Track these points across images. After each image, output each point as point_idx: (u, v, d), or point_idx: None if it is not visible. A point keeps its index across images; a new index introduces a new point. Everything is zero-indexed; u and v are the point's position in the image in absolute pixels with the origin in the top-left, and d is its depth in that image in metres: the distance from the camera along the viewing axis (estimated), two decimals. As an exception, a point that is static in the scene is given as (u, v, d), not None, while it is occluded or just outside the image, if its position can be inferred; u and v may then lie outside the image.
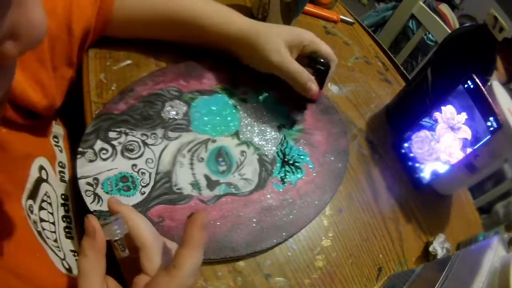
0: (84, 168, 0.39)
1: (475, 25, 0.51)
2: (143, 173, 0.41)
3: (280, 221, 0.43)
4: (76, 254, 0.36)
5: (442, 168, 0.53)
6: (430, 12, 1.07)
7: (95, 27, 0.42)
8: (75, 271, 0.33)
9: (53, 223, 0.35)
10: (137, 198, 0.39)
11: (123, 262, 0.34)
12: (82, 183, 0.38)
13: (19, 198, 0.32)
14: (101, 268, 0.27)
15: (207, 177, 0.43)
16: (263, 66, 0.46)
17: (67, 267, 0.33)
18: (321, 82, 0.48)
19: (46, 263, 0.31)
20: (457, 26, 1.47)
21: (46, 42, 0.35)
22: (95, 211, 0.37)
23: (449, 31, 0.74)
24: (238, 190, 0.43)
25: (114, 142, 0.42)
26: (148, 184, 0.40)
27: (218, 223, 0.40)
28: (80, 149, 0.40)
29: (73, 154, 0.41)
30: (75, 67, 0.43)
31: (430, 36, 1.45)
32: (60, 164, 0.40)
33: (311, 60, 0.47)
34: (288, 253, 0.42)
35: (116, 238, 0.28)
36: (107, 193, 0.38)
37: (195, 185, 0.42)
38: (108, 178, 0.39)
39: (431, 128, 0.54)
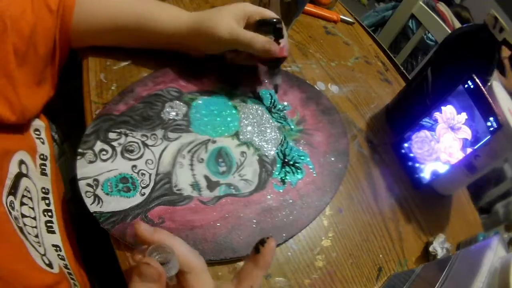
0: (84, 169, 0.39)
1: (475, 25, 0.51)
2: (143, 174, 0.41)
3: (280, 222, 0.43)
4: (58, 249, 0.36)
5: (442, 168, 0.52)
6: (430, 11, 1.07)
7: (60, 43, 0.42)
8: (55, 266, 0.33)
9: (34, 218, 0.35)
10: (137, 199, 0.39)
11: (123, 261, 0.34)
12: (82, 184, 0.38)
13: None
14: None
15: (207, 178, 0.43)
16: (220, 45, 0.46)
17: (47, 262, 0.33)
18: (277, 37, 0.48)
19: (26, 259, 0.31)
20: (455, 23, 1.47)
21: (13, 60, 0.35)
22: (95, 212, 0.37)
23: (449, 31, 0.74)
24: (238, 191, 0.43)
25: (114, 143, 0.42)
26: (148, 185, 0.40)
27: (218, 224, 0.40)
28: (80, 150, 0.40)
29: (73, 155, 0.41)
30: (50, 84, 0.43)
31: (430, 35, 1.44)
32: (42, 157, 0.40)
33: (260, 24, 0.48)
34: (288, 253, 0.42)
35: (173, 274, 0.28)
36: (107, 194, 0.38)
37: (195, 186, 0.42)
38: (108, 179, 0.39)
39: (431, 128, 0.54)
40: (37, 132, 0.42)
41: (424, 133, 0.55)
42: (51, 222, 0.37)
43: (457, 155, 0.51)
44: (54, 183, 0.40)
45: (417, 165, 0.56)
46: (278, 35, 0.48)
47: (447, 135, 0.52)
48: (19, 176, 0.35)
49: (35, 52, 0.38)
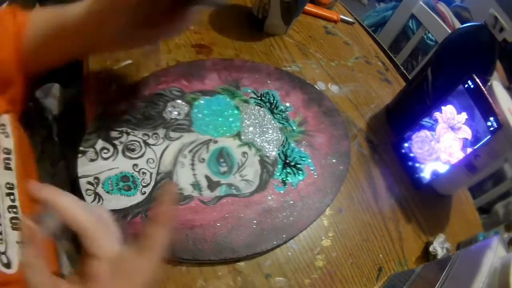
0: (85, 167, 0.39)
1: (475, 25, 0.51)
2: (144, 173, 0.41)
3: (281, 223, 0.43)
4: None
5: (442, 168, 0.53)
6: (430, 11, 1.07)
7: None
8: (14, 266, 0.32)
9: None
10: (138, 198, 0.39)
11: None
12: (82, 182, 0.38)
13: None
14: (44, 263, 0.26)
15: (208, 178, 0.43)
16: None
17: (5, 261, 0.32)
18: None
19: None
20: (456, 23, 1.47)
21: None
22: (96, 211, 0.37)
23: (449, 31, 0.74)
24: (239, 191, 0.43)
25: (116, 142, 0.42)
26: (149, 184, 0.40)
27: (218, 224, 0.40)
28: (81, 148, 0.40)
29: (73, 157, 0.41)
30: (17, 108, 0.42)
31: (430, 35, 1.44)
32: (5, 151, 0.39)
33: None
34: (288, 253, 0.42)
35: (55, 233, 0.26)
36: (107, 192, 0.38)
37: (196, 185, 0.42)
38: (109, 178, 0.39)
39: (431, 128, 0.54)
40: (2, 127, 0.41)
41: (424, 133, 0.55)
42: (16, 218, 0.35)
43: (457, 155, 0.51)
44: (20, 178, 0.38)
45: (417, 165, 0.56)
46: None
47: (447, 135, 0.52)
48: None
49: None
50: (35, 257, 0.25)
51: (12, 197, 0.37)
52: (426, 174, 0.55)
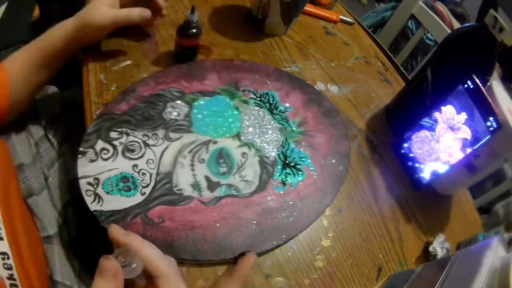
0: (85, 168, 0.39)
1: (475, 25, 0.51)
2: (143, 174, 0.41)
3: (280, 223, 0.43)
4: (6, 256, 0.35)
5: (442, 168, 0.53)
6: (430, 12, 1.07)
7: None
8: None
9: None
10: (138, 198, 0.39)
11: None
12: (82, 182, 0.38)
13: None
14: None
15: (207, 179, 0.43)
16: (106, 30, 0.48)
17: None
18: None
19: None
20: (453, 21, 1.46)
21: None
22: (95, 211, 0.37)
23: (449, 31, 0.74)
24: (238, 192, 0.43)
25: (115, 142, 0.42)
26: (148, 185, 0.40)
27: (218, 225, 0.40)
28: (81, 149, 0.40)
29: (72, 157, 0.41)
30: None
31: (429, 35, 1.44)
32: None
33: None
34: (288, 253, 0.42)
35: (137, 275, 0.29)
36: (107, 193, 0.38)
37: (196, 186, 0.42)
38: (108, 178, 0.39)
39: (431, 128, 0.54)
40: None
41: (424, 133, 0.55)
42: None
43: (457, 155, 0.51)
44: (1, 193, 0.38)
45: (417, 165, 0.56)
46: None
47: (447, 135, 0.52)
48: None
49: None
50: None
51: None
52: (426, 174, 0.55)
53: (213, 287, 0.34)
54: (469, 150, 0.49)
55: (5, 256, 0.35)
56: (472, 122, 0.49)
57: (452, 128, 0.52)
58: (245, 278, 0.32)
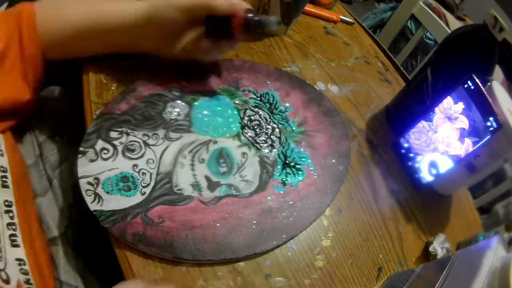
0: (85, 167, 0.39)
1: (475, 25, 0.51)
2: (143, 174, 0.41)
3: (280, 223, 0.43)
4: (22, 262, 0.35)
5: (441, 161, 0.52)
6: (430, 11, 1.07)
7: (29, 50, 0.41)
8: (13, 282, 0.33)
9: None
10: (138, 198, 0.39)
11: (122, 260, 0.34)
12: (82, 182, 0.38)
13: None
14: None
15: (207, 178, 0.43)
16: (176, 23, 0.42)
17: (4, 277, 0.32)
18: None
19: None
20: (452, 21, 1.47)
21: None
22: (95, 210, 0.37)
23: (449, 31, 0.74)
24: (238, 192, 0.43)
25: (115, 142, 0.42)
26: (148, 185, 0.40)
27: (218, 225, 0.40)
28: (81, 149, 0.40)
29: (73, 154, 0.41)
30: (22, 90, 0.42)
31: (428, 34, 1.44)
32: (2, 169, 0.39)
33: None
34: (288, 253, 0.42)
35: None
36: (107, 193, 0.38)
37: (196, 186, 0.42)
38: (108, 178, 0.39)
39: (429, 119, 0.54)
40: None
41: (421, 123, 0.55)
42: (15, 235, 0.36)
43: (455, 145, 0.51)
44: (17, 195, 0.38)
45: (417, 165, 0.56)
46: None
47: (444, 125, 0.52)
48: None
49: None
50: None
51: (10, 214, 0.37)
52: (426, 174, 0.55)
53: None
54: (466, 140, 0.49)
55: (21, 262, 0.35)
56: (470, 112, 0.49)
57: (449, 118, 0.52)
58: None
